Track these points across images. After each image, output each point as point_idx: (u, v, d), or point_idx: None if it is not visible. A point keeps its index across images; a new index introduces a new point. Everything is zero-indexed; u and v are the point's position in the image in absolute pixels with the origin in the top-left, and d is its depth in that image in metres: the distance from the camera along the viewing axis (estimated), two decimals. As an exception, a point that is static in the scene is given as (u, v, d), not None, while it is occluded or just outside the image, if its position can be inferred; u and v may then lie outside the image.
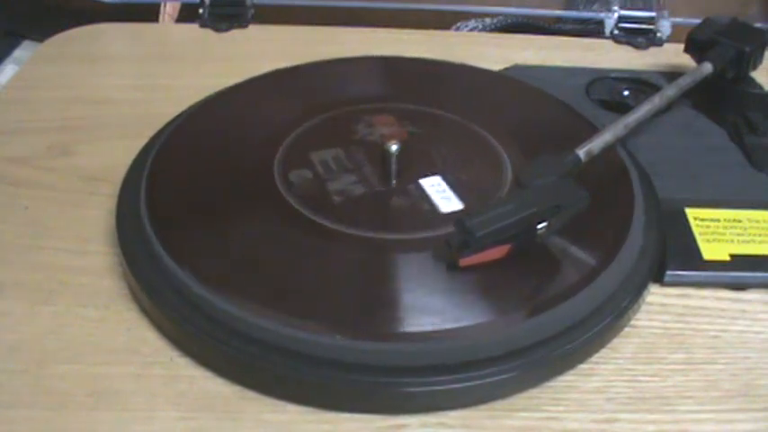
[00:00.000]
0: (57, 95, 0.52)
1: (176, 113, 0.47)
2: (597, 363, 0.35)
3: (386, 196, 0.40)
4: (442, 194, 0.40)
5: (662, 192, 0.42)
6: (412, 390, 0.32)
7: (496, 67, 0.54)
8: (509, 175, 0.42)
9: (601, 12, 0.63)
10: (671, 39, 0.60)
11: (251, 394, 0.33)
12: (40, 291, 0.37)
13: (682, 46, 0.52)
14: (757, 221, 0.41)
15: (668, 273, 0.39)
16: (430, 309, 0.34)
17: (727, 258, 0.39)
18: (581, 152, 0.39)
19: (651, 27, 0.61)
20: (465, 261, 0.35)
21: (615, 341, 0.36)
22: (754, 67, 0.50)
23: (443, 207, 0.39)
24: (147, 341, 0.35)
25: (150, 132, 0.45)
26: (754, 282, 0.39)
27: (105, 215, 0.41)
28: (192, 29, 0.60)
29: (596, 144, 0.40)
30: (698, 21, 0.52)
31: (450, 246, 0.35)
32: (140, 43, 0.60)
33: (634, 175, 0.42)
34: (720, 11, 0.53)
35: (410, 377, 0.32)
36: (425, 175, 0.41)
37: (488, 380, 0.32)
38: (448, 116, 0.46)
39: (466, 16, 0.66)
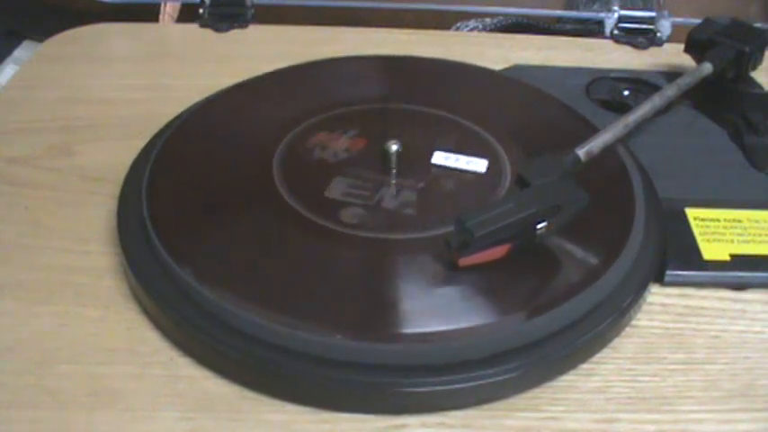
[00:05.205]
0: (57, 95, 0.52)
1: (176, 113, 0.47)
2: (597, 363, 0.35)
3: (415, 191, 0.40)
4: (461, 161, 0.41)
5: (662, 192, 0.42)
6: (412, 390, 0.32)
7: (496, 67, 0.54)
8: (509, 175, 0.42)
9: (601, 12, 0.63)
10: (671, 39, 0.60)
11: (251, 394, 0.33)
12: (40, 291, 0.37)
13: (682, 46, 0.52)
14: (757, 221, 0.41)
15: (668, 273, 0.39)
16: (429, 309, 0.34)
17: (727, 258, 0.39)
18: (581, 152, 0.39)
19: (651, 27, 0.61)
20: (464, 261, 0.35)
21: (615, 341, 0.36)
22: (754, 67, 0.50)
23: (478, 168, 0.40)
24: (147, 341, 0.35)
25: (151, 132, 0.45)
26: (754, 282, 0.39)
27: (105, 215, 0.41)
28: (192, 29, 0.60)
29: (596, 144, 0.40)
30: (698, 21, 0.52)
31: (450, 245, 0.35)
32: (140, 43, 0.60)
33: (634, 175, 0.42)
34: (720, 11, 0.53)
35: (410, 377, 0.32)
36: (429, 157, 0.42)
37: (488, 380, 0.32)
38: (448, 116, 0.46)
39: (466, 16, 0.66)
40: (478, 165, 0.41)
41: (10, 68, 0.70)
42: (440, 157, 0.42)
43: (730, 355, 0.36)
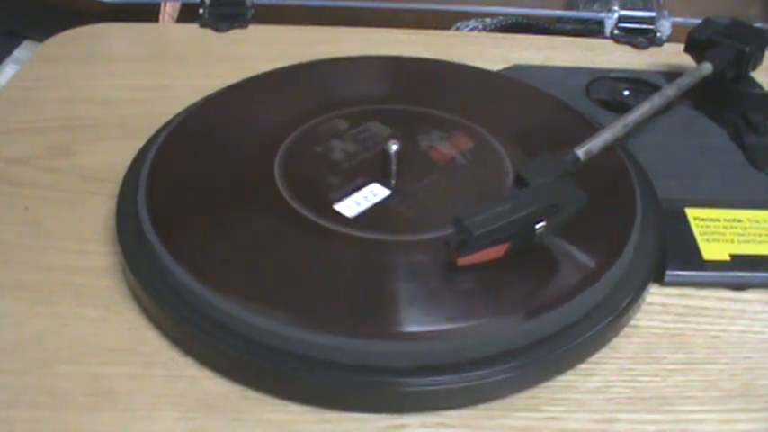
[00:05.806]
0: (57, 95, 0.52)
1: (176, 113, 0.47)
2: (597, 363, 0.35)
3: (331, 181, 0.40)
4: (361, 200, 0.39)
5: (662, 192, 0.42)
6: (412, 390, 0.32)
7: (496, 67, 0.54)
8: (509, 175, 0.42)
9: (601, 12, 0.63)
10: (671, 39, 0.60)
11: (251, 394, 0.33)
12: (40, 291, 0.37)
13: (682, 46, 0.52)
14: (757, 221, 0.41)
15: (668, 273, 0.39)
16: (429, 308, 0.34)
17: (727, 258, 0.39)
18: (580, 152, 0.39)
19: (651, 27, 0.61)
20: (463, 260, 0.35)
21: (615, 341, 0.36)
22: (754, 67, 0.50)
23: (343, 209, 0.39)
24: (147, 341, 0.35)
25: (150, 132, 0.45)
26: (754, 282, 0.39)
27: (105, 215, 0.41)
28: (192, 29, 0.60)
29: (596, 144, 0.40)
30: (698, 21, 0.52)
31: (449, 245, 0.35)
32: (140, 43, 0.60)
33: (634, 175, 0.42)
34: (720, 11, 0.53)
35: (410, 377, 0.32)
36: (382, 182, 0.41)
37: (488, 380, 0.32)
38: (448, 116, 0.46)
39: (466, 16, 0.66)
40: (350, 209, 0.39)
41: (10, 68, 0.71)
42: (373, 187, 0.40)
43: (730, 355, 0.36)
